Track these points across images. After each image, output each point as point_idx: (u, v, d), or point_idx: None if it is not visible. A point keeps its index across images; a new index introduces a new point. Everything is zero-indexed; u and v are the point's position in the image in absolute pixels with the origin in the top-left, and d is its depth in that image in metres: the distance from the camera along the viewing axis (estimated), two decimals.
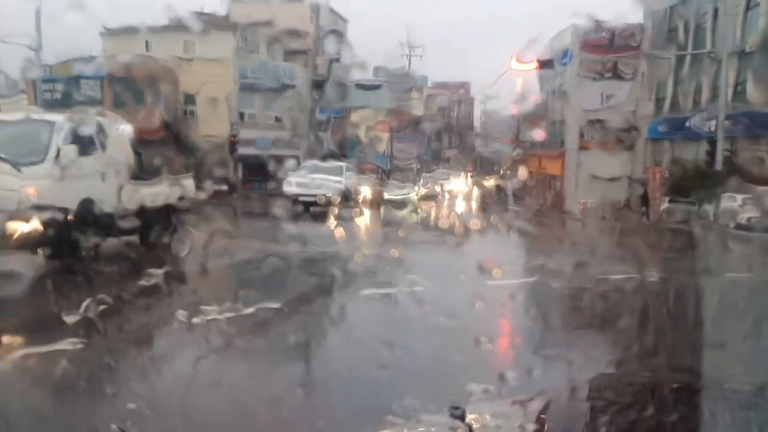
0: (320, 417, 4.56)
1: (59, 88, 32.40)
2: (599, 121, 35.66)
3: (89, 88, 32.16)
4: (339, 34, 46.07)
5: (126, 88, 30.72)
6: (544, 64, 34.88)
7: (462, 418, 2.67)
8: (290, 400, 4.78)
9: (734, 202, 21.50)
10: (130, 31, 34.13)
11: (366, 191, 26.99)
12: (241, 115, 35.64)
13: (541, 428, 2.76)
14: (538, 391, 3.16)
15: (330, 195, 20.79)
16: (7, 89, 31.47)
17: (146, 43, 33.97)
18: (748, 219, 20.63)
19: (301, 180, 22.12)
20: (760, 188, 20.11)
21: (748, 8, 25.77)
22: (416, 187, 35.74)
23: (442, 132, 62.80)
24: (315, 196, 20.37)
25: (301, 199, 19.66)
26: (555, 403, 3.00)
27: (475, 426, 2.65)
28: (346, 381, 5.52)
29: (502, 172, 53.30)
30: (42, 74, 31.86)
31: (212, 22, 33.72)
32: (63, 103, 31.65)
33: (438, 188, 37.00)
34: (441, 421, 2.69)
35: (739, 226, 20.78)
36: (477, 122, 69.47)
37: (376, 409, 3.41)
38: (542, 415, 2.84)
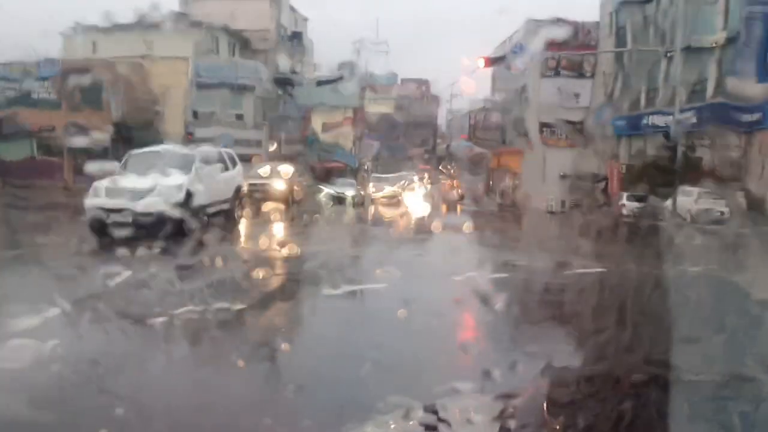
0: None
1: (13, 86, 31.77)
2: (560, 110, 36.13)
3: (44, 88, 31.59)
4: (299, 35, 46.17)
5: (82, 87, 30.11)
6: (495, 61, 34.59)
7: (436, 412, 2.72)
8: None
9: (690, 196, 21.99)
10: (89, 30, 33.60)
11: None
12: (195, 114, 35.20)
13: (514, 423, 2.81)
14: (511, 386, 3.22)
15: (153, 211, 12.14)
16: None
17: (98, 42, 33.46)
18: (705, 211, 21.24)
19: (112, 186, 12.93)
20: (721, 182, 20.66)
21: (706, 4, 26.35)
22: (364, 187, 33.11)
23: (406, 130, 62.84)
24: (123, 213, 12.15)
25: (107, 219, 12.18)
26: (526, 397, 3.06)
27: (451, 420, 2.69)
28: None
29: (457, 169, 53.60)
30: None
31: (172, 21, 33.31)
32: (19, 102, 31.00)
33: (395, 188, 34.73)
34: (416, 416, 2.74)
35: (694, 219, 21.31)
36: (442, 120, 69.64)
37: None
38: (512, 410, 2.89)
